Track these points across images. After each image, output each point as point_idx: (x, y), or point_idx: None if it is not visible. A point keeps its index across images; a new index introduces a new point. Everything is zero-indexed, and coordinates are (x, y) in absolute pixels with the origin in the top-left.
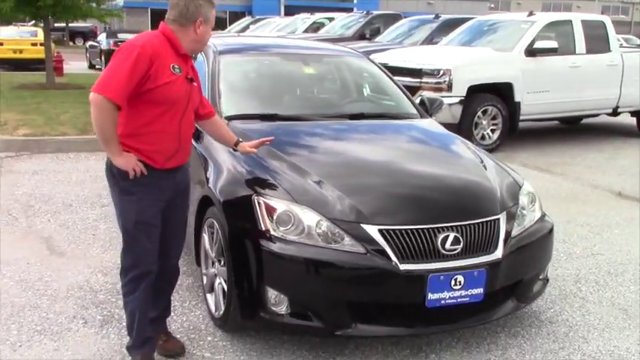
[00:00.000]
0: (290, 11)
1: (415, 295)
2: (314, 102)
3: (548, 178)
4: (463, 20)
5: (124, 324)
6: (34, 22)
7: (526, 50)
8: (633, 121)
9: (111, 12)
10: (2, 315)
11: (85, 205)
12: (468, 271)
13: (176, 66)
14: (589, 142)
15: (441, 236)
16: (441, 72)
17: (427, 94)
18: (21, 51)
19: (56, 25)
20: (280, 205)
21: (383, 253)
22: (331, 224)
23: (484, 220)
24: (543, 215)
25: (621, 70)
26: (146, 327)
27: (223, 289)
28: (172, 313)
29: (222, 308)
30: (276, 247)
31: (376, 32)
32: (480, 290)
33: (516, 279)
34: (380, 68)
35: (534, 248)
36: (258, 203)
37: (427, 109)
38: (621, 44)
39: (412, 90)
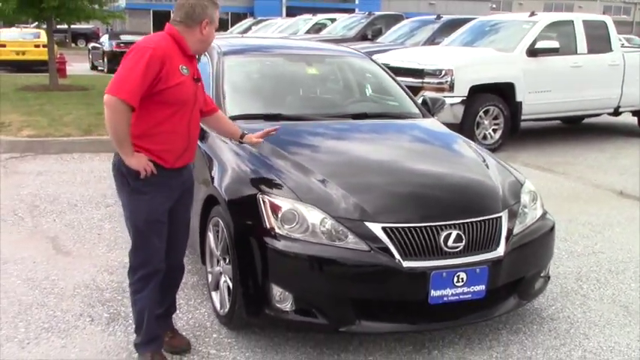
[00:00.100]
0: (291, 12)
1: (418, 292)
2: (317, 102)
3: (550, 177)
4: (465, 21)
5: (131, 322)
6: (36, 23)
7: (528, 50)
8: (634, 120)
9: (114, 14)
10: (10, 313)
11: (89, 205)
12: (471, 268)
13: (184, 67)
14: (590, 142)
15: (443, 234)
16: (443, 72)
17: (429, 94)
18: (24, 52)
19: (58, 26)
20: (285, 204)
21: (386, 250)
22: (335, 222)
23: (486, 217)
24: (545, 213)
25: (623, 69)
26: (154, 324)
27: (228, 286)
28: (178, 311)
29: (228, 306)
30: (281, 244)
31: (378, 33)
32: (482, 287)
33: (518, 276)
34: (382, 68)
35: (536, 246)
36: (263, 202)
37: (429, 108)
38: (623, 44)
39: (414, 90)
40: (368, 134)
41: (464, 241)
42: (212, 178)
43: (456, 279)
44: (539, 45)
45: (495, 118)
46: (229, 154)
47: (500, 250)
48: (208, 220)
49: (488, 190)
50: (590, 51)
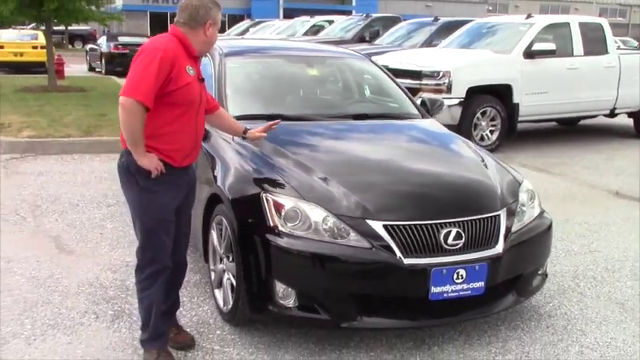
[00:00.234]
0: (289, 14)
1: (419, 288)
2: (318, 103)
3: (547, 178)
4: (462, 23)
5: (135, 319)
6: (33, 25)
7: (524, 52)
8: (630, 122)
9: (112, 15)
10: (16, 310)
11: (91, 205)
12: (470, 265)
13: (190, 67)
14: (587, 143)
15: (443, 231)
16: (441, 74)
17: (427, 95)
18: (22, 54)
19: (55, 28)
20: (288, 202)
21: (387, 247)
22: (337, 220)
23: (485, 216)
24: (542, 212)
25: (618, 71)
26: (160, 321)
27: (232, 284)
28: (181, 308)
29: (231, 303)
30: (284, 242)
31: (376, 35)
32: (482, 284)
33: (516, 273)
34: (382, 70)
35: (534, 243)
36: (267, 200)
37: (428, 109)
38: (619, 46)
39: (412, 92)
40: (368, 134)
41: (463, 239)
42: (215, 178)
43: (455, 276)
44: (536, 47)
45: (492, 119)
46: (232, 153)
47: (499, 248)
48: (211, 218)
49: (487, 189)
50: (587, 53)
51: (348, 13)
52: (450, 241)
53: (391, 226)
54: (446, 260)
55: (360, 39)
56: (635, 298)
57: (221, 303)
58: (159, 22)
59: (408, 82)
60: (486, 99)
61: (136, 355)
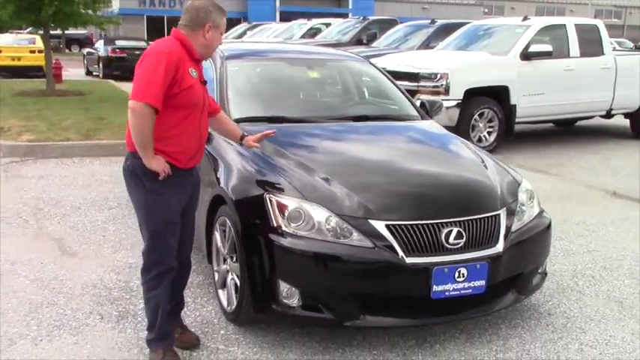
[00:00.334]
0: (285, 17)
1: (421, 287)
2: (319, 105)
3: (545, 178)
4: (459, 25)
5: (140, 319)
6: (30, 29)
7: (521, 54)
8: (627, 122)
9: (110, 19)
10: (21, 312)
11: (92, 208)
12: (471, 264)
13: (193, 70)
14: (584, 144)
15: (445, 231)
16: (439, 76)
17: (425, 97)
18: (19, 58)
19: (52, 32)
20: (291, 203)
21: (390, 247)
22: (340, 220)
23: (485, 215)
24: (541, 211)
25: (614, 72)
26: (166, 321)
27: (235, 284)
28: (185, 309)
29: (235, 303)
30: (287, 242)
31: (373, 37)
32: (482, 282)
33: (517, 272)
34: (381, 72)
35: (533, 242)
36: (270, 201)
37: (427, 111)
38: (614, 47)
39: (410, 94)
40: (369, 136)
41: (464, 238)
42: (218, 179)
43: (457, 274)
44: (533, 49)
45: (490, 120)
46: (234, 154)
47: (499, 247)
48: (215, 219)
49: (487, 189)
50: (583, 54)
51: (344, 15)
52: (451, 240)
53: (393, 225)
54: (447, 259)
55: (357, 41)
56: (634, 296)
57: (225, 303)
58: (155, 26)
59: (405, 84)
60: (484, 100)
61: (142, 355)
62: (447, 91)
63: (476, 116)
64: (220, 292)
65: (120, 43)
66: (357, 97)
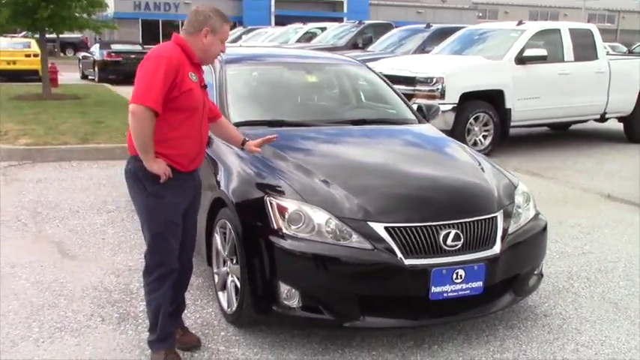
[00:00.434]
0: (280, 21)
1: (419, 288)
2: (318, 109)
3: (540, 182)
4: (454, 29)
5: (141, 321)
6: (24, 33)
7: (516, 58)
8: (620, 126)
9: (106, 24)
10: (23, 314)
11: (91, 211)
12: (469, 265)
13: (193, 74)
14: (578, 148)
15: (442, 233)
16: (434, 80)
17: (421, 101)
18: (14, 62)
19: (47, 36)
20: (291, 205)
21: (389, 249)
22: (340, 222)
23: (483, 217)
24: (537, 214)
25: (608, 77)
26: (167, 322)
27: (236, 286)
28: (185, 311)
29: (235, 304)
30: (288, 244)
31: (368, 41)
32: (480, 284)
33: (513, 273)
34: (379, 76)
35: (529, 244)
36: (270, 203)
37: (425, 115)
38: (608, 52)
39: (406, 98)
40: (367, 139)
41: (462, 240)
42: (218, 182)
43: (455, 276)
44: (528, 53)
45: (485, 124)
46: (234, 157)
47: (497, 249)
48: (215, 222)
49: (484, 192)
50: (577, 59)
51: (339, 19)
52: (449, 242)
53: (392, 227)
54: (445, 261)
55: (353, 46)
56: (628, 297)
57: (225, 305)
58: (150, 30)
59: (401, 88)
60: (479, 104)
61: (144, 356)
62: (442, 95)
63: (471, 120)
64: (220, 294)
65: (115, 47)
66: (355, 101)
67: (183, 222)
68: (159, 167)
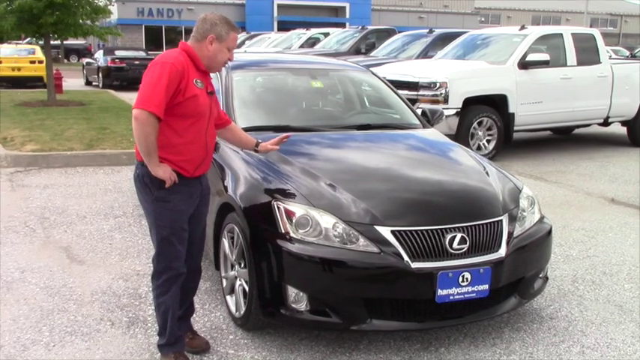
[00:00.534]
0: (283, 27)
1: (426, 291)
2: (323, 114)
3: (543, 186)
4: (456, 35)
5: (150, 325)
6: (28, 39)
7: (519, 63)
8: (624, 130)
9: (111, 30)
10: (33, 318)
11: (98, 217)
12: (475, 268)
13: (198, 80)
14: (581, 152)
15: (448, 236)
16: (438, 85)
17: (425, 106)
18: (19, 69)
19: (51, 42)
20: (299, 210)
21: (395, 252)
22: (347, 226)
23: (488, 221)
24: (542, 217)
25: (611, 81)
26: (176, 326)
27: (244, 289)
28: (194, 314)
29: (243, 308)
30: (295, 248)
31: (371, 47)
32: (486, 287)
33: (519, 276)
34: (383, 81)
35: (534, 247)
36: (278, 208)
37: (429, 119)
38: (610, 56)
39: (409, 103)
40: (372, 144)
41: (468, 243)
42: (225, 187)
43: (461, 279)
44: (530, 57)
45: (489, 128)
46: (241, 163)
47: (502, 252)
48: (222, 227)
49: (489, 196)
50: (580, 63)
51: (342, 25)
52: (455, 245)
53: (399, 231)
54: (451, 264)
55: (356, 51)
56: (633, 300)
57: (233, 309)
58: (153, 36)
59: (405, 93)
60: (483, 109)
61: None
62: (446, 100)
63: (475, 124)
64: (228, 297)
65: (119, 53)
66: (360, 106)
67: (191, 227)
68: (164, 172)
